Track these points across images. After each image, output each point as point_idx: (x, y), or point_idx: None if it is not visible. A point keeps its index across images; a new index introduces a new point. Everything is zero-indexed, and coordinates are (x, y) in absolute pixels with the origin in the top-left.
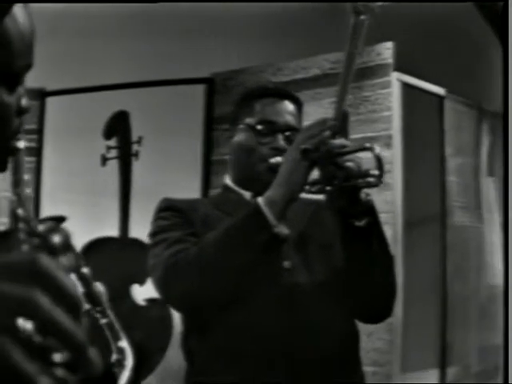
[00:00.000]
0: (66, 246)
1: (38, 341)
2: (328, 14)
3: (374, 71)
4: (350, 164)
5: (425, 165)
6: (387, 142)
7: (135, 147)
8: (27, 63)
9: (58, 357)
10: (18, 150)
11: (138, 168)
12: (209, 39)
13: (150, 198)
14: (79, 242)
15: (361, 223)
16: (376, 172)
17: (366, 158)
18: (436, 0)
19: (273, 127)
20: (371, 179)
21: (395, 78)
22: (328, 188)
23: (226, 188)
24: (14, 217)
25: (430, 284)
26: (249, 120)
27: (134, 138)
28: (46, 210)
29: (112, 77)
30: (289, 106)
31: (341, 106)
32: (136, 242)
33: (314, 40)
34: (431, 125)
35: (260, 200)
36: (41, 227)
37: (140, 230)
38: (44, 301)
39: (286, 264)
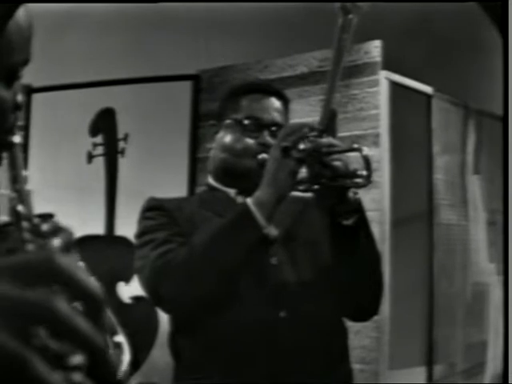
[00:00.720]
0: (69, 246)
1: (54, 346)
2: (315, 12)
3: (361, 69)
4: (337, 163)
5: (412, 163)
6: (375, 141)
7: (121, 144)
8: (25, 58)
9: (74, 360)
10: (13, 144)
11: (124, 165)
12: (195, 36)
13: (136, 196)
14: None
15: (349, 222)
16: (364, 172)
17: (353, 157)
18: (436, 0)
19: (259, 123)
20: (359, 180)
21: (383, 77)
22: (315, 187)
23: (210, 187)
24: (15, 214)
25: (417, 282)
26: (235, 116)
27: (120, 135)
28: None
29: (98, 74)
30: (275, 102)
31: (328, 104)
32: (122, 240)
33: (302, 38)
34: (419, 123)
35: (249, 201)
36: (44, 226)
37: (126, 227)
38: (62, 307)
39: (273, 260)
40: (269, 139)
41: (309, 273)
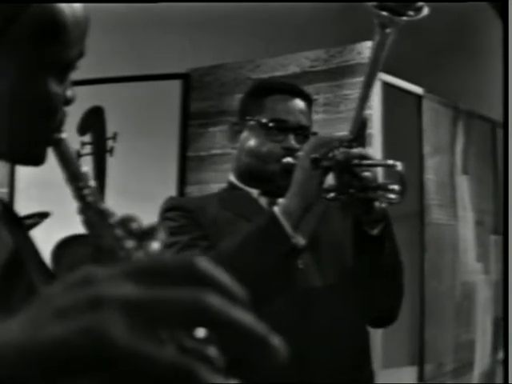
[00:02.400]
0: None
1: (207, 349)
2: (309, 12)
3: (354, 70)
4: (366, 174)
5: (404, 163)
6: (367, 141)
7: (110, 143)
8: (80, 52)
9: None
10: (60, 140)
11: (112, 164)
12: (186, 35)
13: (125, 195)
14: (53, 239)
15: (374, 232)
16: (396, 187)
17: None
18: (437, 0)
19: (284, 126)
20: (392, 195)
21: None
22: (342, 196)
23: (232, 185)
24: (99, 213)
25: (408, 281)
26: (259, 117)
27: (109, 133)
28: (19, 207)
29: (87, 72)
30: (300, 103)
31: (359, 115)
32: None
33: (294, 37)
34: (409, 124)
35: (276, 210)
36: (134, 225)
37: None
38: (218, 302)
39: (300, 264)
40: (294, 143)
41: (333, 277)
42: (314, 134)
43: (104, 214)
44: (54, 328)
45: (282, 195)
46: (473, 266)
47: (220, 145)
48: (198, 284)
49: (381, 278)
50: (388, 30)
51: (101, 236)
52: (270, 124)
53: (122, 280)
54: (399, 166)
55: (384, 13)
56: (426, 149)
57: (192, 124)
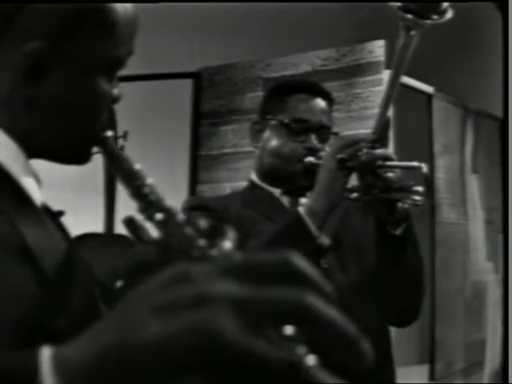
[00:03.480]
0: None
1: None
2: (319, 11)
3: (365, 69)
4: (390, 175)
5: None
6: None
7: (121, 142)
8: (130, 50)
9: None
10: (106, 139)
11: None
12: (197, 34)
13: None
14: None
15: (397, 232)
16: (420, 188)
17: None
18: (440, 0)
19: (306, 126)
20: (417, 197)
21: (387, 76)
22: (366, 197)
23: (253, 184)
24: (165, 211)
25: None
26: (281, 117)
27: (120, 132)
28: None
29: None
30: (321, 103)
31: (383, 116)
32: (121, 238)
33: (305, 36)
34: (420, 123)
35: (301, 210)
36: (202, 223)
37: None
38: (318, 301)
39: (324, 263)
40: (316, 143)
41: (355, 276)
42: (335, 133)
43: (169, 213)
44: (153, 327)
45: (303, 195)
46: (483, 265)
47: (231, 144)
48: (294, 280)
49: (403, 277)
50: (413, 33)
51: (170, 235)
52: (292, 124)
53: (219, 278)
54: (424, 168)
55: (409, 15)
56: (437, 148)
57: (203, 123)
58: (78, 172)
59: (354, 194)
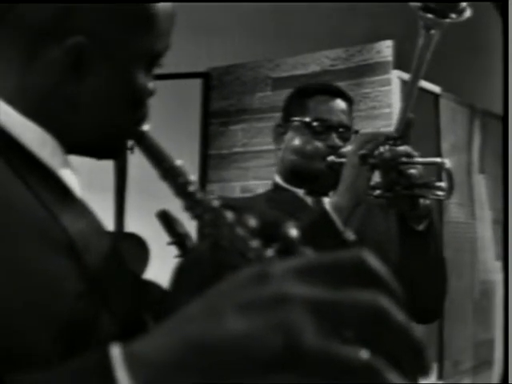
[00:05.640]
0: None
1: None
2: (329, 11)
3: (374, 68)
4: (412, 171)
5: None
6: None
7: (131, 141)
8: (167, 45)
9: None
10: (144, 133)
11: (133, 162)
12: (207, 34)
13: (146, 193)
14: None
15: (420, 227)
16: (443, 184)
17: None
18: (441, 0)
19: (327, 125)
20: (440, 192)
21: (395, 76)
22: (388, 193)
23: (277, 186)
24: (212, 212)
25: None
26: (302, 117)
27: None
28: None
29: None
30: (341, 104)
31: (404, 114)
32: (132, 237)
33: (314, 36)
34: (427, 122)
35: (327, 206)
36: (252, 223)
37: (135, 224)
38: (391, 306)
39: None
40: (337, 141)
41: None
42: (356, 132)
43: (218, 212)
44: (236, 324)
45: (326, 194)
46: (492, 265)
47: (241, 143)
48: (367, 280)
49: (427, 273)
50: (432, 32)
51: (221, 236)
52: (314, 123)
53: (297, 278)
54: (447, 163)
55: (429, 15)
56: (444, 147)
57: (213, 122)
58: (86, 171)
59: (377, 192)
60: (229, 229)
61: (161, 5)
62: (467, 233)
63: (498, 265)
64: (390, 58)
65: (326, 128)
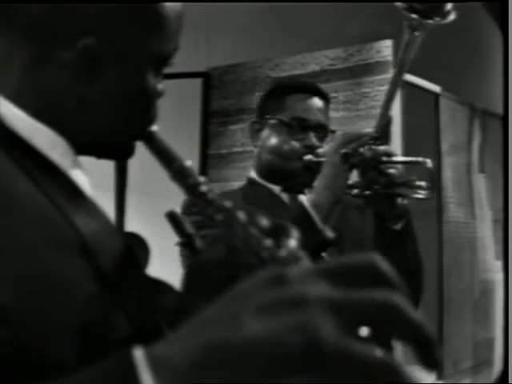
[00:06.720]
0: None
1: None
2: (328, 11)
3: (373, 68)
4: (392, 171)
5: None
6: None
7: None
8: (177, 46)
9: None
10: (152, 134)
11: (133, 162)
12: (206, 34)
13: (146, 193)
14: None
15: (397, 226)
16: (423, 184)
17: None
18: (442, 0)
19: (305, 124)
20: (422, 192)
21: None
22: (367, 193)
23: (252, 181)
24: (224, 213)
25: (427, 279)
26: (280, 116)
27: None
28: None
29: None
30: (318, 102)
31: (384, 114)
32: (132, 236)
33: (313, 36)
34: (427, 122)
35: (306, 203)
36: (264, 223)
37: (136, 224)
38: (405, 303)
39: (326, 258)
40: (315, 141)
41: None
42: (333, 132)
43: (230, 212)
44: (258, 326)
45: (302, 192)
46: (491, 264)
47: (240, 143)
48: (379, 281)
49: (403, 272)
50: (417, 33)
51: (234, 235)
52: (292, 122)
53: (314, 279)
54: (429, 163)
55: (414, 15)
56: (444, 147)
57: (212, 122)
58: (90, 170)
59: (355, 191)
60: (242, 229)
61: (170, 5)
62: (467, 232)
63: (498, 264)
64: (390, 58)
65: (304, 127)
